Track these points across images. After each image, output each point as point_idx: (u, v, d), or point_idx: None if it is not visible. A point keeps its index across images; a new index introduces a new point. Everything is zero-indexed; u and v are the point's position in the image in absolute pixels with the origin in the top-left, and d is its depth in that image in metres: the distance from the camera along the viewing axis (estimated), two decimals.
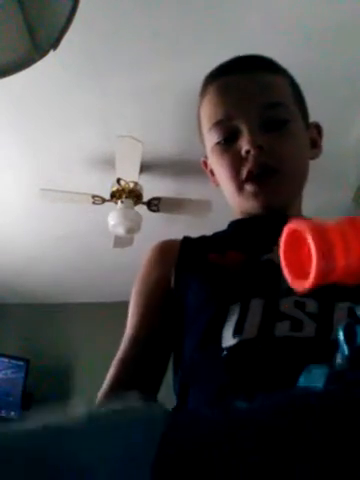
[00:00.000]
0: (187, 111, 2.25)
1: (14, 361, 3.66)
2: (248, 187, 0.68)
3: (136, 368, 0.68)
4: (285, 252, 0.29)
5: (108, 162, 2.52)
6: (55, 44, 0.79)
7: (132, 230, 2.64)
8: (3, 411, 3.48)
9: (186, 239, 0.75)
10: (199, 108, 0.76)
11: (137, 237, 2.81)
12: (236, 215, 0.76)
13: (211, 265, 0.66)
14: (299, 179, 0.73)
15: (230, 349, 0.55)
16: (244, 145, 0.66)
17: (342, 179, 2.66)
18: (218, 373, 0.56)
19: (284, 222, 0.76)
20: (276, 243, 0.66)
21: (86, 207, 2.74)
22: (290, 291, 0.59)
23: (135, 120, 2.34)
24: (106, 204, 2.69)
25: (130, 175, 2.54)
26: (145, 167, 2.57)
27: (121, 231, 2.64)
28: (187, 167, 2.58)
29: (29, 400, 3.52)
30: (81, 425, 0.30)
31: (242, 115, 0.68)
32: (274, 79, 0.71)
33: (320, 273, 0.25)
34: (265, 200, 0.68)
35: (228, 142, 0.69)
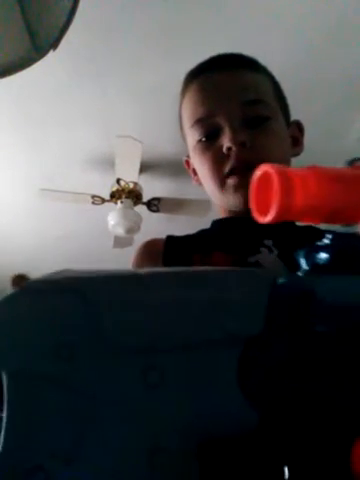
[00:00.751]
0: None
1: None
2: (230, 181, 0.68)
3: None
4: (255, 193, 0.34)
5: (108, 162, 2.52)
6: (55, 44, 0.79)
7: (132, 230, 2.64)
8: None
9: (170, 238, 0.74)
10: (180, 106, 0.76)
11: (137, 237, 2.81)
12: (219, 214, 0.76)
13: (194, 265, 0.65)
14: None
15: None
16: (226, 142, 0.66)
17: None
18: None
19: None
20: (263, 244, 0.66)
21: (86, 207, 2.75)
22: None
23: (135, 120, 2.34)
24: (106, 204, 2.69)
25: (130, 175, 2.54)
26: (145, 167, 2.57)
27: (121, 231, 2.64)
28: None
29: None
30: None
31: (223, 112, 0.68)
32: (254, 77, 0.71)
33: (280, 208, 0.30)
34: (247, 194, 0.69)
35: (209, 139, 0.69)
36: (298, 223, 0.74)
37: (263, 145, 0.68)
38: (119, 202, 2.65)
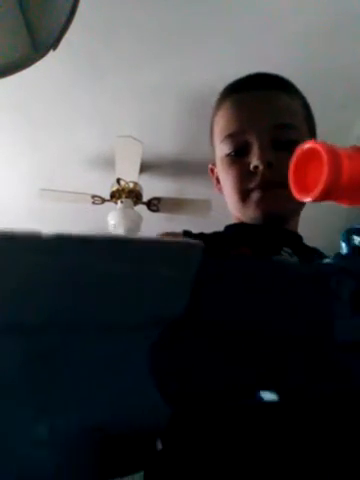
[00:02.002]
0: (187, 111, 2.25)
1: None
2: (253, 195, 0.70)
3: None
4: (294, 169, 0.32)
5: (108, 162, 2.52)
6: (55, 44, 0.79)
7: (132, 230, 2.64)
8: None
9: (187, 233, 0.74)
10: (213, 118, 0.79)
11: None
12: (234, 221, 0.78)
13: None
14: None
15: None
16: (254, 161, 0.69)
17: None
18: None
19: (286, 234, 0.77)
20: (283, 250, 0.67)
21: (86, 207, 2.74)
22: None
23: (135, 120, 2.34)
24: (106, 204, 2.69)
25: (130, 175, 2.54)
26: (145, 167, 2.57)
27: (121, 231, 2.64)
28: (187, 167, 2.58)
29: None
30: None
31: (254, 131, 0.70)
32: (288, 100, 0.74)
33: (327, 186, 0.28)
34: (267, 208, 0.71)
35: (238, 155, 0.72)
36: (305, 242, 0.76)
37: (288, 167, 0.70)
38: (119, 202, 2.65)
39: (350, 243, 0.34)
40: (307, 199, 0.30)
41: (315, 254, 0.76)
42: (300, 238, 0.77)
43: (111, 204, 2.68)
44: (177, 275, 0.24)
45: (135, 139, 2.30)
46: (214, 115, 0.79)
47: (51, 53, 0.82)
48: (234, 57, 2.00)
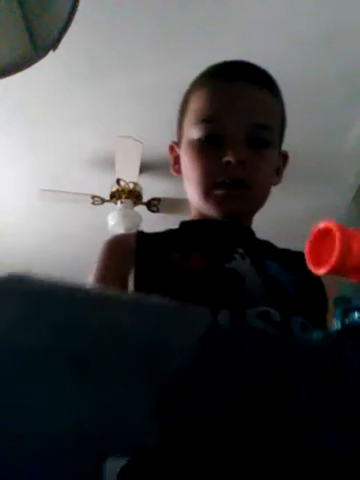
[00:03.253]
0: None
1: None
2: (217, 192, 0.68)
3: None
4: (311, 245, 0.37)
5: (108, 162, 2.52)
6: (55, 44, 0.79)
7: (132, 230, 2.64)
8: None
9: (142, 234, 0.73)
10: (189, 95, 0.75)
11: None
12: (191, 215, 0.76)
13: (174, 265, 0.64)
14: (262, 200, 0.75)
15: None
16: (227, 155, 0.67)
17: (342, 180, 2.66)
18: None
19: (241, 231, 0.77)
20: (236, 251, 0.68)
21: (86, 207, 2.74)
22: (254, 302, 0.60)
23: (135, 120, 2.34)
24: (106, 204, 2.69)
25: (130, 175, 2.54)
26: (145, 167, 2.57)
27: (121, 231, 2.64)
28: None
29: None
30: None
31: (233, 123, 0.68)
32: (271, 100, 0.72)
33: (338, 262, 0.33)
34: (229, 208, 0.69)
35: (209, 142, 0.69)
36: (258, 236, 0.76)
37: (258, 168, 0.69)
38: (119, 202, 2.65)
39: (345, 320, 0.38)
40: (321, 272, 0.35)
41: (267, 248, 0.75)
42: (253, 233, 0.76)
43: (111, 204, 2.68)
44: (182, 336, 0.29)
45: (135, 139, 2.30)
46: (191, 92, 0.75)
47: (51, 53, 0.82)
48: (234, 58, 2.00)
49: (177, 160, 0.77)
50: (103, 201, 2.69)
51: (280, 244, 0.77)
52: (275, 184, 0.77)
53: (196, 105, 0.72)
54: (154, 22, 1.87)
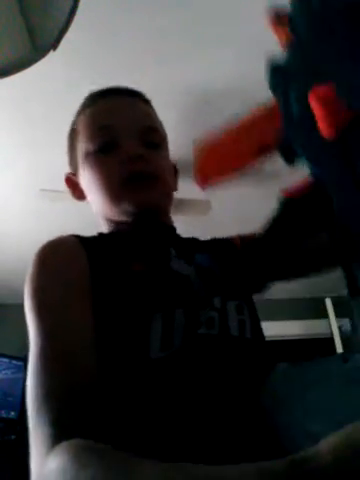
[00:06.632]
0: (187, 111, 2.25)
1: (14, 361, 3.66)
2: (125, 188, 0.69)
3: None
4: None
5: None
6: (55, 44, 0.79)
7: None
8: (3, 411, 3.48)
9: (82, 238, 0.73)
10: (76, 120, 0.81)
11: None
12: (105, 227, 0.79)
13: (134, 273, 0.63)
14: (170, 195, 0.77)
15: (159, 361, 0.54)
16: (125, 152, 0.69)
17: None
18: (148, 383, 0.54)
19: (166, 231, 0.80)
20: (170, 252, 0.70)
21: (86, 207, 2.74)
22: (202, 298, 0.62)
23: None
24: None
25: None
26: None
27: None
28: (187, 167, 2.57)
29: None
30: None
31: (124, 128, 0.72)
32: (149, 108, 0.80)
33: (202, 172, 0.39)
34: (142, 199, 0.70)
35: (104, 152, 0.71)
36: (182, 235, 0.78)
37: (157, 162, 0.73)
38: None
39: None
40: (204, 186, 0.40)
41: (193, 243, 0.77)
42: (175, 230, 0.77)
43: None
44: None
45: None
46: (78, 117, 0.80)
47: (51, 53, 0.82)
48: (234, 59, 2.00)
49: (76, 187, 0.80)
50: None
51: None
52: (175, 190, 0.81)
53: (87, 121, 0.76)
54: (155, 23, 1.87)
